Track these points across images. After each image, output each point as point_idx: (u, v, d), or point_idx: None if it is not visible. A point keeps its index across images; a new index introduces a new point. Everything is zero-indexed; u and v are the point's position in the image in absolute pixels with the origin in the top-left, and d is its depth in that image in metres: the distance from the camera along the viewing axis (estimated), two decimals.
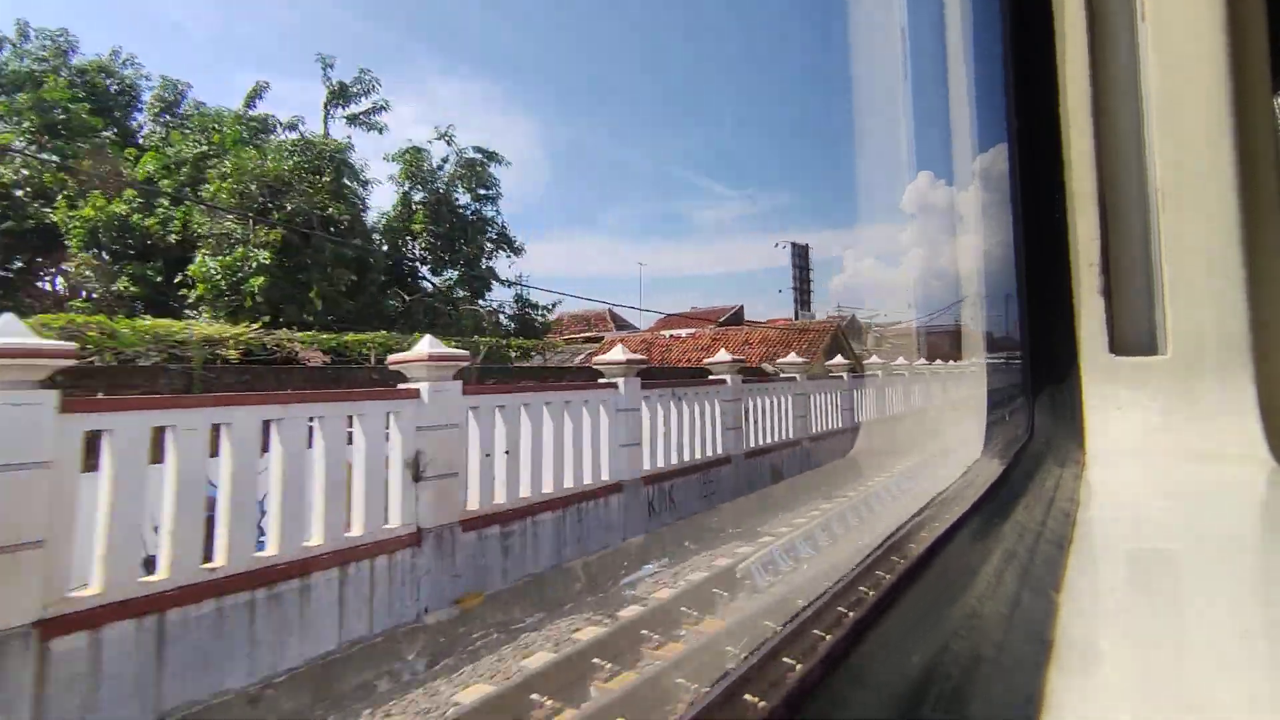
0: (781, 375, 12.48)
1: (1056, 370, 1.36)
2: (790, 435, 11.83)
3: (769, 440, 11.32)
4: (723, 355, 10.68)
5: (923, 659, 0.60)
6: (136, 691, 3.82)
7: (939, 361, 21.40)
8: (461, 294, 21.91)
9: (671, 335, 25.19)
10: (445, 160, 22.50)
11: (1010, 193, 1.44)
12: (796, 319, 36.28)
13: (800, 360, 12.42)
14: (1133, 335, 1.24)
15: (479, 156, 22.68)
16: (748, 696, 0.48)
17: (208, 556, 4.38)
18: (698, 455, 9.50)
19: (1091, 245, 1.25)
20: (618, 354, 8.24)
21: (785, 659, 0.56)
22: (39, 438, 3.65)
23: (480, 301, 22.46)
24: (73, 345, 4.14)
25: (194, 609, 4.15)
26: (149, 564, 4.25)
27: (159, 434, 4.28)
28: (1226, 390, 1.14)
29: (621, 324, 30.14)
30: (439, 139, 22.35)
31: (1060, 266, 1.29)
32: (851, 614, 0.62)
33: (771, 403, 11.40)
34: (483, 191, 23.09)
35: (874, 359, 16.49)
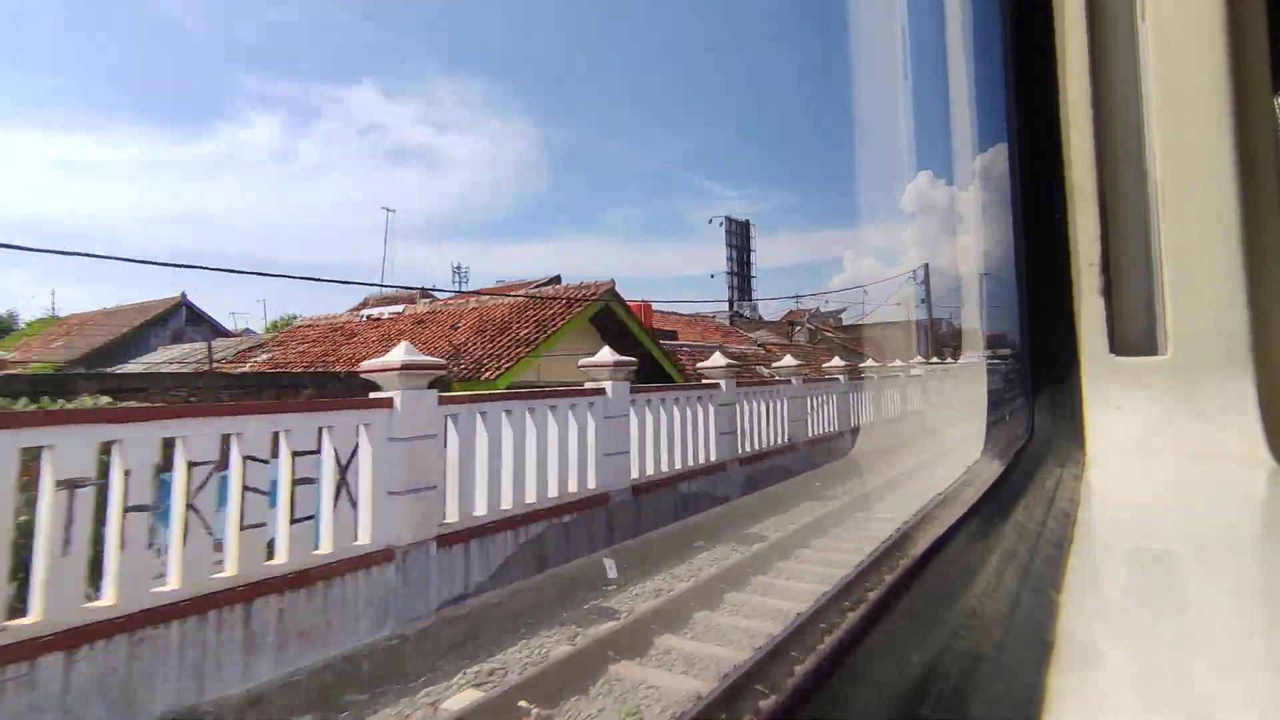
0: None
1: (1056, 370, 1.36)
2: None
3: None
4: None
5: (923, 659, 0.60)
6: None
7: (903, 361, 18.54)
8: None
9: (369, 317, 17.32)
10: None
11: (1010, 193, 1.45)
12: (732, 309, 31.12)
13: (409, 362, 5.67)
14: (1133, 335, 1.24)
15: None
16: (749, 694, 0.48)
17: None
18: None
19: (1091, 245, 1.25)
20: (398, 355, 5.52)
21: (786, 658, 0.56)
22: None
23: None
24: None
25: None
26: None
27: None
28: (1226, 390, 1.14)
29: None
30: None
31: (1060, 266, 1.29)
32: (852, 613, 0.62)
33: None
34: None
35: (770, 361, 13.67)
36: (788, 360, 12.65)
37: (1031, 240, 1.40)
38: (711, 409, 9.55)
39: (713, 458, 9.44)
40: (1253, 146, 1.12)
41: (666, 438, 8.60)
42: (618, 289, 13.84)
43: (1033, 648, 0.64)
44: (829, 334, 27.77)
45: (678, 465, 8.78)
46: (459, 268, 38.47)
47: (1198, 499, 1.12)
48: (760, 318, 31.74)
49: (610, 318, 13.84)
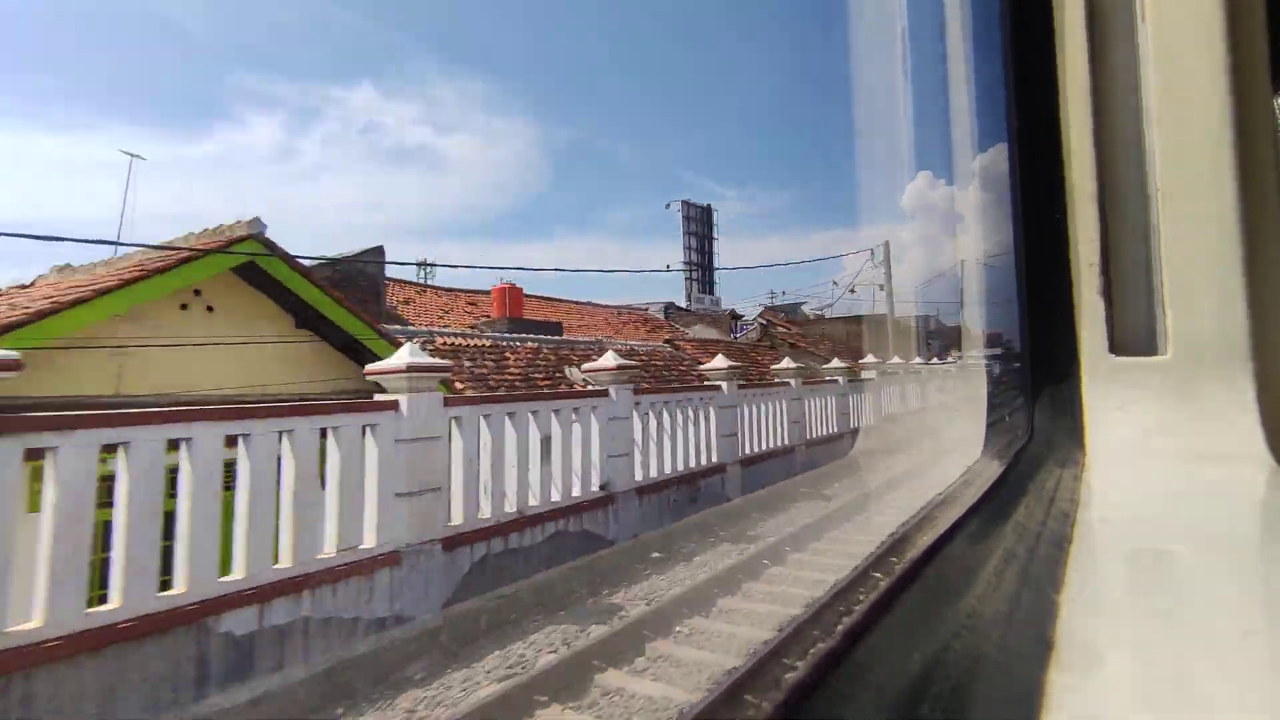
0: None
1: (1056, 370, 1.36)
2: None
3: None
4: None
5: (923, 659, 0.60)
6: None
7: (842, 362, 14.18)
8: None
9: None
10: None
11: (1010, 193, 1.45)
12: (689, 304, 27.44)
13: None
14: (1133, 335, 1.24)
15: None
16: (749, 696, 0.47)
17: None
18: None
19: (1091, 245, 1.25)
20: None
21: (786, 658, 0.56)
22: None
23: None
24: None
25: None
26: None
27: None
28: (1226, 390, 1.14)
29: None
30: None
31: (1060, 266, 1.29)
32: (852, 614, 0.62)
33: None
34: None
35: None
36: (606, 360, 8.19)
37: (1031, 240, 1.40)
38: (375, 447, 5.21)
39: (369, 542, 5.05)
40: (1253, 147, 1.12)
41: (246, 514, 4.37)
42: (266, 233, 8.00)
43: (1033, 648, 0.64)
44: (782, 329, 23.75)
45: (329, 549, 4.78)
46: (424, 263, 31.30)
47: (1198, 499, 1.12)
48: (733, 312, 28.40)
49: (263, 277, 8.34)
